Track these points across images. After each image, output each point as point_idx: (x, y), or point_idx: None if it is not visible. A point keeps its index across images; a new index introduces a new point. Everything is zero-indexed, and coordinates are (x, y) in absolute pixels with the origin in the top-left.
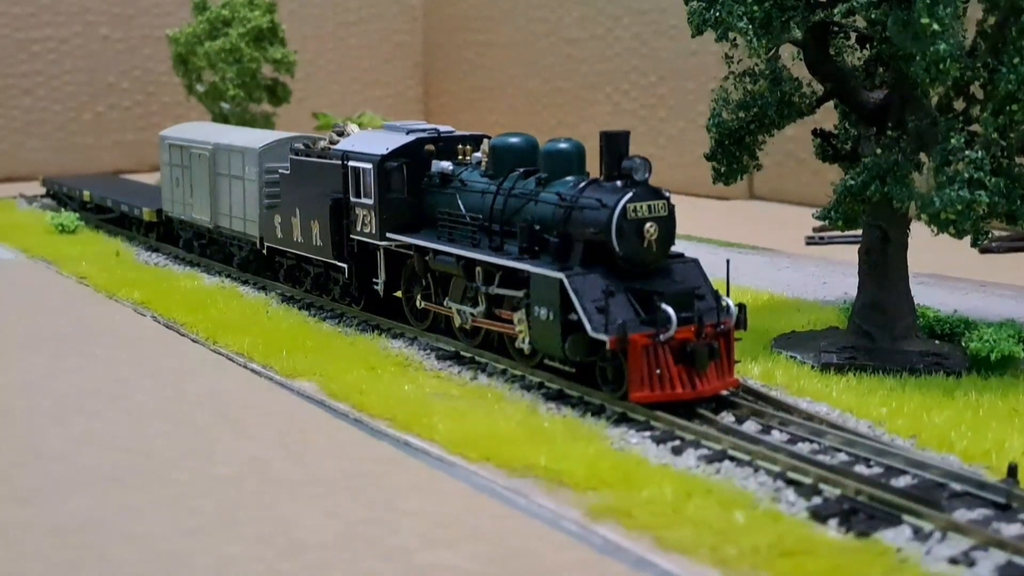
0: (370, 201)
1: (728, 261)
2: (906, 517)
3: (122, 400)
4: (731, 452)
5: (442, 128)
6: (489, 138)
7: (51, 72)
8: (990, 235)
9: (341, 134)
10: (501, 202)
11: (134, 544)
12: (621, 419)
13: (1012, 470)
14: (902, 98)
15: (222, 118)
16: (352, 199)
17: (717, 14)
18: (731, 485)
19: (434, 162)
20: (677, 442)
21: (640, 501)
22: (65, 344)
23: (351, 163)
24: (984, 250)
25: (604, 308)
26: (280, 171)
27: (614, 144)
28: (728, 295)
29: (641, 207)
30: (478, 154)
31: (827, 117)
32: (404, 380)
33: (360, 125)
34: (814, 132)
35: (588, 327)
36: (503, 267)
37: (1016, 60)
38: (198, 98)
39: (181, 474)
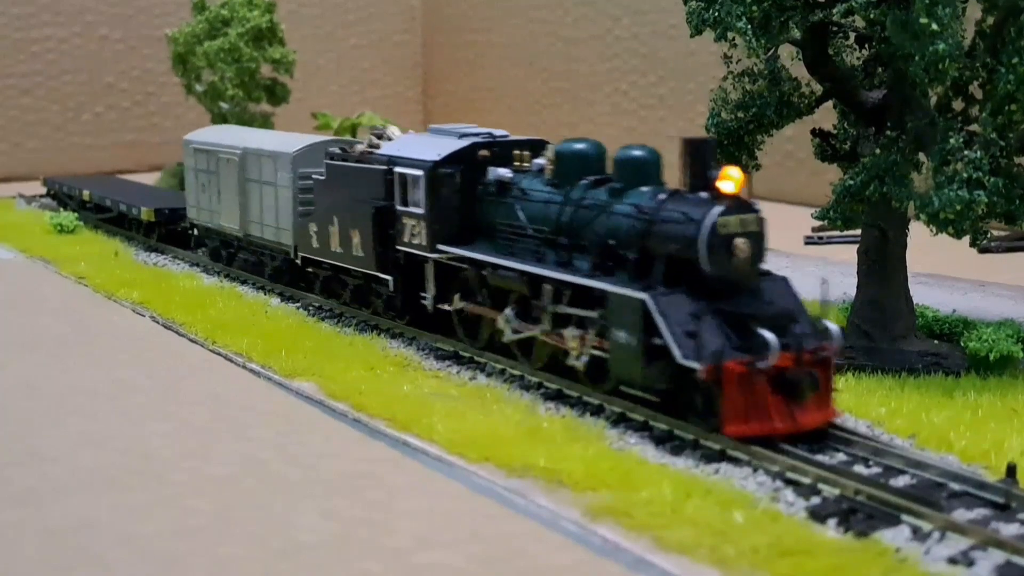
0: (420, 210)
1: (824, 280)
2: (905, 517)
3: (120, 400)
4: (730, 452)
5: (496, 132)
6: (546, 143)
7: (50, 72)
8: (989, 235)
9: (380, 137)
10: (569, 213)
11: (131, 545)
12: (620, 419)
13: (1011, 470)
14: (901, 98)
15: (221, 118)
16: (399, 208)
17: (716, 14)
18: (730, 485)
19: (491, 169)
20: (676, 442)
21: (639, 501)
22: (63, 344)
23: (398, 169)
24: (983, 250)
25: (694, 332)
26: (315, 177)
27: (699, 152)
28: (824, 316)
29: (731, 221)
30: (539, 160)
31: (826, 117)
32: (403, 380)
33: (359, 125)
34: (813, 132)
35: (677, 353)
36: (574, 285)
37: (1015, 60)
38: (197, 98)
39: (179, 474)
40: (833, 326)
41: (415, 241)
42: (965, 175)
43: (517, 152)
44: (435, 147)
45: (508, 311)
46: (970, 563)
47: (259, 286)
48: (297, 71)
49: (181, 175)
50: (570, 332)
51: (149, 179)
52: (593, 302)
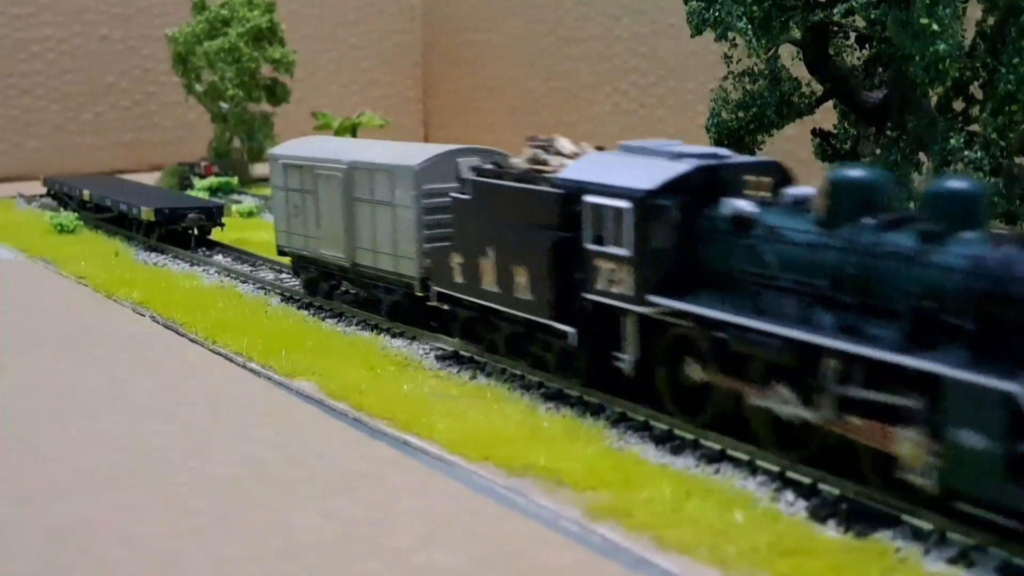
0: (623, 252)
1: None
2: (905, 517)
3: (120, 400)
4: (730, 452)
5: (720, 151)
6: (781, 166)
7: (51, 72)
8: None
9: (546, 149)
10: (855, 263)
11: (131, 544)
12: (620, 419)
13: None
14: (901, 98)
15: (221, 118)
16: (590, 246)
17: (716, 14)
18: (730, 485)
19: (725, 200)
20: (676, 442)
21: (639, 501)
22: (64, 344)
23: (591, 199)
24: None
25: None
26: (455, 196)
27: None
28: None
29: None
30: (794, 190)
31: (826, 117)
32: (403, 380)
33: (359, 125)
34: (813, 132)
35: None
36: (882, 362)
37: (1015, 60)
38: (197, 98)
39: (179, 474)
40: None
41: (614, 289)
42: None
43: (752, 178)
44: (643, 171)
45: (782, 389)
46: (970, 563)
47: (371, 324)
48: (297, 71)
49: (181, 175)
50: (904, 432)
51: (149, 179)
52: (905, 385)
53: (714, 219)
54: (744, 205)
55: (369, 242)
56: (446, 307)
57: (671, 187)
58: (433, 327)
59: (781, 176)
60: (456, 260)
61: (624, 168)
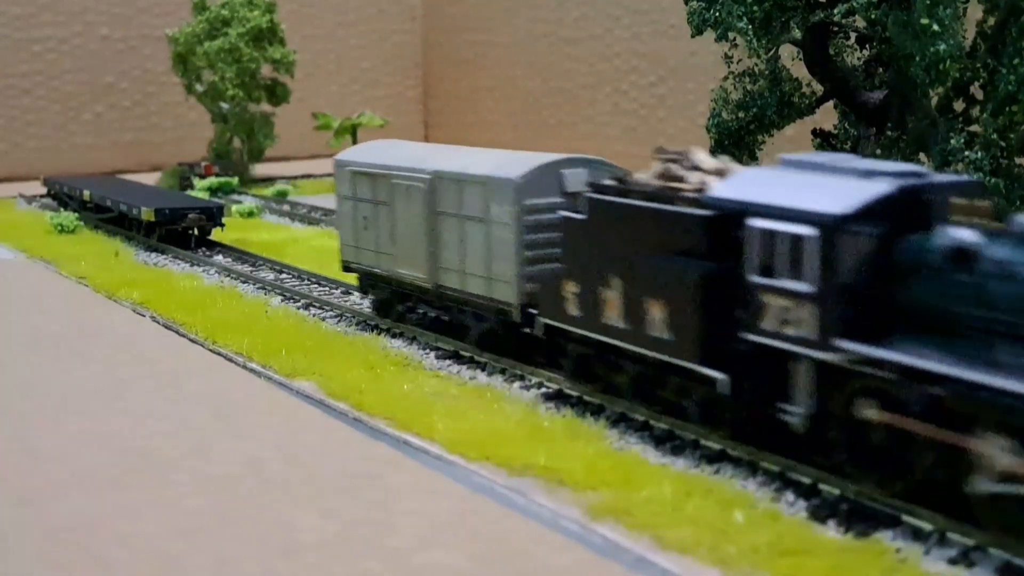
0: (804, 287)
1: None
2: (905, 517)
3: (120, 400)
4: (730, 452)
5: (918, 168)
6: (981, 186)
7: (51, 72)
8: None
9: (678, 162)
10: None
11: (131, 544)
12: (620, 419)
13: None
14: (902, 98)
15: (221, 118)
16: (756, 278)
17: (717, 14)
18: (730, 485)
19: (942, 228)
20: (677, 442)
21: (640, 500)
22: (64, 344)
23: (759, 223)
24: None
25: None
26: (564, 214)
27: None
28: None
29: None
30: None
31: (827, 117)
32: (403, 379)
33: (359, 125)
34: (814, 132)
35: None
36: None
37: (1016, 61)
38: (197, 98)
39: (179, 474)
40: None
41: (788, 331)
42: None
43: (962, 202)
44: (831, 192)
45: (1005, 441)
46: (970, 563)
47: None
48: (297, 71)
49: (181, 175)
50: None
51: (149, 179)
52: None
53: (922, 250)
54: (967, 235)
55: (456, 262)
56: (552, 339)
57: (869, 211)
58: (540, 362)
59: (988, 197)
60: (570, 289)
61: (802, 187)
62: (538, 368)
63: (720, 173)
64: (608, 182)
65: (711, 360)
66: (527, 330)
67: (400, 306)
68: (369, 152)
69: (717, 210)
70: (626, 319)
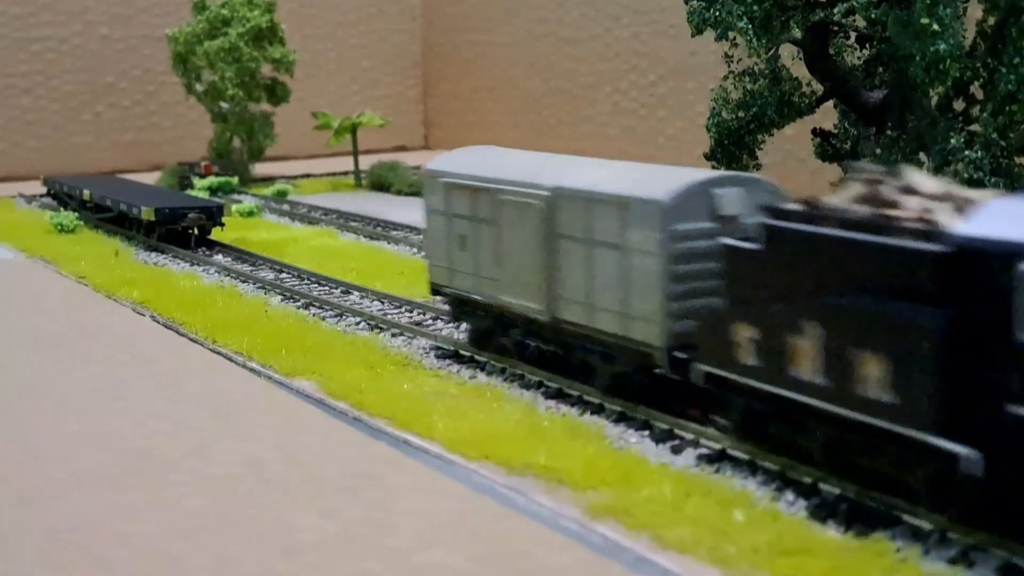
0: None
1: None
2: (905, 517)
3: (120, 400)
4: (730, 451)
5: None
6: None
7: (50, 72)
8: None
9: (878, 182)
10: None
11: (131, 544)
12: (620, 418)
13: None
14: (902, 98)
15: (221, 117)
16: None
17: (717, 14)
18: (730, 485)
19: None
20: (676, 441)
21: (639, 500)
22: (64, 344)
23: None
24: None
25: None
26: (728, 243)
27: None
28: None
29: None
30: None
31: (827, 117)
32: (403, 379)
33: (359, 125)
34: (814, 132)
35: None
36: None
37: (1016, 60)
38: (197, 98)
39: (179, 474)
40: None
41: None
42: (966, 175)
43: None
44: None
45: None
46: (970, 563)
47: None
48: (297, 71)
49: (181, 175)
50: None
51: (149, 179)
52: None
53: None
54: None
55: (580, 293)
56: (713, 390)
57: None
58: (691, 415)
59: None
60: (743, 333)
61: None
62: (686, 422)
63: (945, 198)
64: (791, 206)
65: (955, 432)
66: (674, 376)
67: (507, 339)
68: (466, 161)
69: (958, 247)
70: (825, 374)
